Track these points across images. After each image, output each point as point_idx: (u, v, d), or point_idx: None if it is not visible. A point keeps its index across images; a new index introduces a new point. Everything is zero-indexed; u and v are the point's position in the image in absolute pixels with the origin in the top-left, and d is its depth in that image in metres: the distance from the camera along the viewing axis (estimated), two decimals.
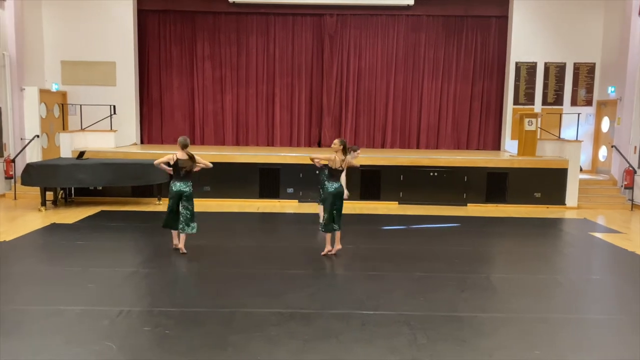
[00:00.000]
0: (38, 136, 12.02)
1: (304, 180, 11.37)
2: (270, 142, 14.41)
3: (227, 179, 11.35)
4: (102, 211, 10.11)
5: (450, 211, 10.73)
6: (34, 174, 10.01)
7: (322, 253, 7.11)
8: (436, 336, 4.67)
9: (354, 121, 14.35)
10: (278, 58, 14.22)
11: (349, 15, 14.08)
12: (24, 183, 10.22)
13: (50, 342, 4.44)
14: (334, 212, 7.03)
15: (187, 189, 7.07)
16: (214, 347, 4.39)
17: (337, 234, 7.13)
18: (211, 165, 7.31)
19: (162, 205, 10.80)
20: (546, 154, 12.00)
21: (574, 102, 13.77)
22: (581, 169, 11.98)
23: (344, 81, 14.26)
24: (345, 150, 6.97)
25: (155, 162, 7.07)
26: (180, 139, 7.16)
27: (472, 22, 14.12)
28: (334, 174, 7.00)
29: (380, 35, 14.19)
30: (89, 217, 9.60)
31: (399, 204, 11.38)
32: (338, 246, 7.17)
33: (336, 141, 7.02)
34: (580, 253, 8.05)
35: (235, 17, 14.04)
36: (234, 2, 13.59)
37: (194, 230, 7.14)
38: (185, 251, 7.08)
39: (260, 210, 10.59)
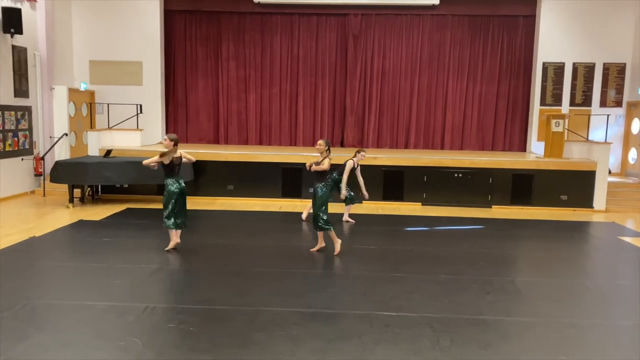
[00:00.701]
0: (67, 134, 12.27)
1: None
2: (293, 142, 14.45)
3: (250, 178, 11.44)
4: (127, 209, 10.26)
5: (475, 213, 10.61)
6: (62, 172, 10.22)
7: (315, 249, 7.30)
8: (460, 339, 4.62)
9: (377, 121, 14.30)
10: (302, 58, 14.25)
11: (374, 15, 14.03)
12: (52, 180, 10.44)
13: (78, 337, 4.53)
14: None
15: (184, 185, 7.24)
16: (237, 345, 4.43)
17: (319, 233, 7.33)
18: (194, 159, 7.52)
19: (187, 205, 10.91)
20: (573, 155, 11.78)
21: (603, 103, 13.49)
22: (610, 172, 11.72)
23: (368, 81, 14.22)
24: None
25: (145, 162, 7.03)
26: (173, 135, 7.21)
27: (499, 22, 13.95)
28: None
29: (404, 35, 14.11)
30: (115, 214, 9.76)
31: (422, 205, 11.31)
32: (321, 244, 7.35)
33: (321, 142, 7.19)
34: (608, 257, 7.88)
35: (260, 17, 14.12)
36: (258, 2, 13.67)
37: None
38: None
39: (282, 210, 10.62)
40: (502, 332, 4.86)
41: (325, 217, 7.03)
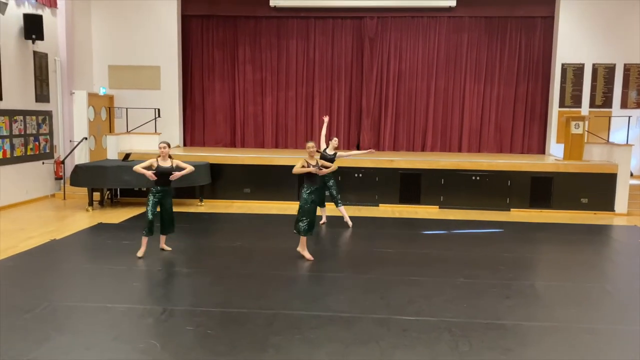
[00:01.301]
0: (86, 138, 12.44)
1: (341, 183, 11.37)
2: None
3: (266, 181, 11.47)
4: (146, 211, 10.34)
5: (493, 216, 10.51)
6: (81, 175, 10.37)
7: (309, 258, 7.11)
8: (479, 344, 4.58)
9: (394, 124, 14.26)
10: (318, 61, 14.27)
11: (390, 18, 14.00)
12: (72, 184, 10.60)
13: (98, 339, 4.59)
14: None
15: (168, 193, 7.15)
16: (255, 348, 4.44)
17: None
18: (193, 169, 7.18)
19: (204, 207, 11.02)
20: (594, 158, 11.60)
21: (624, 105, 13.27)
22: (632, 174, 11.53)
23: (384, 84, 14.18)
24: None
25: (135, 167, 7.01)
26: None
27: (517, 23, 13.82)
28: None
29: (421, 38, 14.05)
30: (134, 217, 9.86)
31: (440, 208, 11.23)
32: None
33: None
34: (629, 261, 7.73)
35: (276, 21, 14.18)
36: (274, 6, 13.72)
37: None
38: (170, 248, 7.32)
39: None
40: (521, 337, 4.80)
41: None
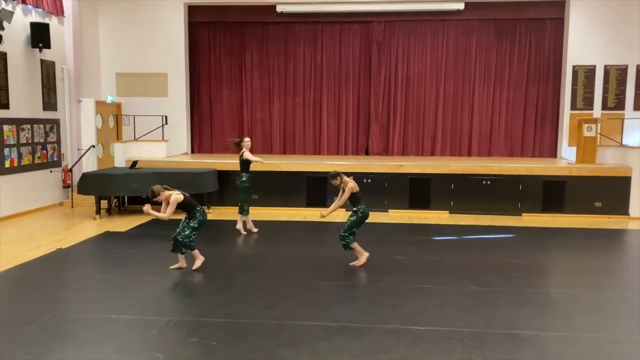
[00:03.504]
0: (94, 146, 12.42)
1: None
2: (317, 151, 14.36)
3: (274, 188, 11.37)
4: (153, 220, 10.25)
5: (504, 221, 10.32)
6: (89, 183, 10.32)
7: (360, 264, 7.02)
8: (493, 355, 4.41)
9: (403, 128, 14.11)
10: (325, 66, 14.18)
11: (397, 22, 13.89)
12: (80, 192, 10.57)
13: (102, 351, 4.47)
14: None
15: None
16: None
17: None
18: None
19: (212, 214, 10.91)
20: (607, 161, 11.39)
21: (637, 107, 13.01)
22: None
23: (392, 88, 14.06)
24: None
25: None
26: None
27: (526, 25, 13.65)
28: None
29: (429, 41, 13.93)
30: (141, 225, 9.79)
31: (450, 213, 11.06)
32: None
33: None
34: None
35: (283, 26, 14.12)
36: (281, 12, 13.66)
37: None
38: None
39: (307, 219, 10.51)
40: (537, 347, 4.63)
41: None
